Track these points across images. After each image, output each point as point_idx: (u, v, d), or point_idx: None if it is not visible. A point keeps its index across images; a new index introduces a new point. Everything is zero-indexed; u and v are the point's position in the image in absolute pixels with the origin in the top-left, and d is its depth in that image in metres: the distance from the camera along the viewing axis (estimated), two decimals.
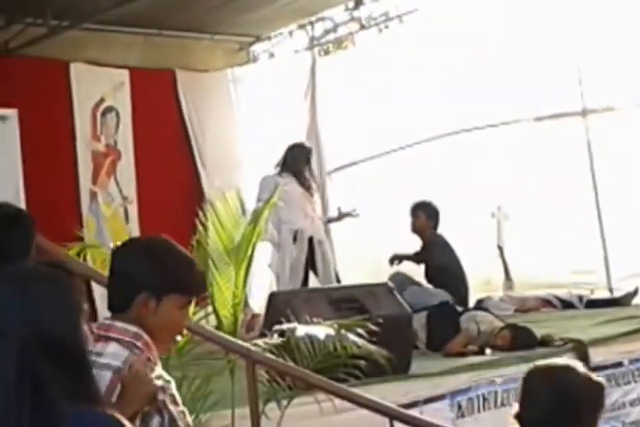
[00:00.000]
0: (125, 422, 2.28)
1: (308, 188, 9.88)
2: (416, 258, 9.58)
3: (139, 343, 2.99)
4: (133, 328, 3.00)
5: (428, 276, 9.49)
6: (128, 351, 2.98)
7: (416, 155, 11.70)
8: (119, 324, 3.02)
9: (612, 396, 7.88)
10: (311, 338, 5.76)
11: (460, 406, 7.08)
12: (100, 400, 2.33)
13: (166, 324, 3.05)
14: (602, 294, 10.78)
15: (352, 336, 5.90)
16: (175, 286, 3.02)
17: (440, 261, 9.35)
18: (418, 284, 9.36)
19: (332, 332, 5.83)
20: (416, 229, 9.55)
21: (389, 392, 6.44)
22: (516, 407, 3.40)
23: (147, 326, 3.01)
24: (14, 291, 2.32)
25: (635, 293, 10.02)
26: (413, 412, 6.35)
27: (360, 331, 5.91)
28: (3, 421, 2.19)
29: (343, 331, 6.00)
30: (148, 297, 3.00)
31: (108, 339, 3.00)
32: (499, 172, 11.03)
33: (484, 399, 7.25)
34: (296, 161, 9.83)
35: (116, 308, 3.08)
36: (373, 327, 5.84)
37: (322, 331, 5.83)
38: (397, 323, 6.97)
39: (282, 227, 9.74)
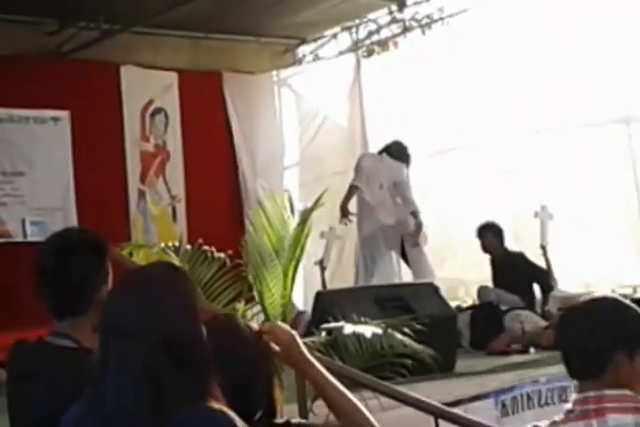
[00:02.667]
0: (236, 419, 2.32)
1: None
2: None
3: None
4: (625, 391, 2.85)
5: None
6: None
7: (460, 157, 11.76)
8: (609, 391, 2.84)
9: None
10: (358, 337, 5.86)
11: (504, 405, 7.13)
12: (217, 395, 2.36)
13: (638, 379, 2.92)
14: None
15: (398, 335, 6.01)
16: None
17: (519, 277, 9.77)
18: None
19: (379, 331, 5.93)
20: (487, 248, 10.10)
21: (435, 391, 6.52)
22: None
23: (620, 385, 2.88)
24: (140, 293, 2.38)
25: None
26: (458, 410, 6.41)
27: (406, 330, 6.01)
28: (125, 419, 2.29)
29: (390, 330, 6.10)
30: (624, 355, 2.88)
31: (601, 411, 2.83)
32: (543, 174, 11.10)
33: (529, 398, 7.30)
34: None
35: (589, 374, 2.90)
36: (419, 327, 5.95)
37: (369, 330, 5.93)
38: (442, 322, 7.06)
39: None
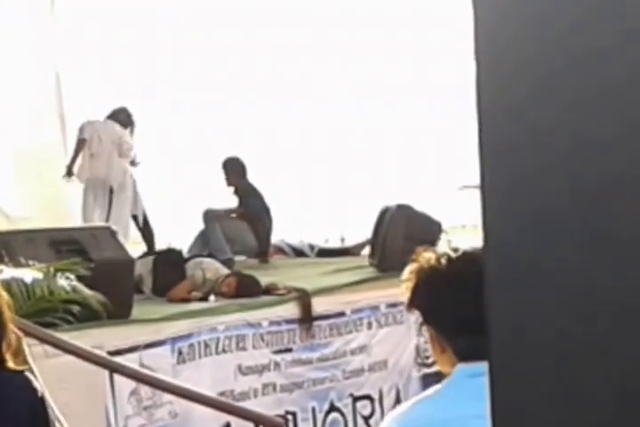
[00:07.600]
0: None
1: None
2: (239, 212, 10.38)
3: None
4: None
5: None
6: None
7: None
8: None
9: (334, 344, 8.06)
10: (18, 282, 5.60)
11: (180, 352, 7.06)
12: None
13: None
14: (333, 243, 11.03)
15: (64, 281, 5.78)
16: None
17: (256, 209, 10.26)
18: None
19: (40, 275, 5.68)
20: (230, 182, 10.42)
21: (108, 337, 6.35)
22: None
23: None
24: None
25: (365, 243, 10.25)
26: (133, 356, 6.33)
27: (73, 275, 5.79)
28: None
29: (60, 274, 5.86)
30: None
31: None
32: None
33: (206, 346, 7.27)
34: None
35: None
36: (84, 271, 5.73)
37: (29, 274, 5.68)
38: (118, 267, 6.86)
39: None
